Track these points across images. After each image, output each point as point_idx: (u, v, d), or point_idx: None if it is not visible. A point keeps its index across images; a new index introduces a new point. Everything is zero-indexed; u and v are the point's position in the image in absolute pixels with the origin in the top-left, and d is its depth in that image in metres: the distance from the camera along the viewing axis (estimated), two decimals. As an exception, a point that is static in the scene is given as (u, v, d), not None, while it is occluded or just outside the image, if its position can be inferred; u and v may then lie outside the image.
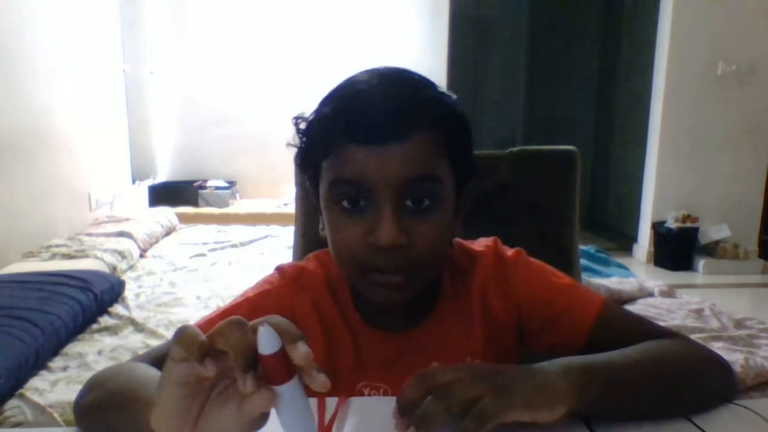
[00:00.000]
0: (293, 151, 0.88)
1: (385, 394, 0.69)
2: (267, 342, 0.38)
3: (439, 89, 0.64)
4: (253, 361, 0.38)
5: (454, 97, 0.66)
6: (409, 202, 0.60)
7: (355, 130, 0.59)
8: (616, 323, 0.69)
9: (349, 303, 0.71)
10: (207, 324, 0.68)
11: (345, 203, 0.61)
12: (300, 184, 1.00)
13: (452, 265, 0.73)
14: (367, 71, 0.64)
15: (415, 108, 0.60)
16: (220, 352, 0.38)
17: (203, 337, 0.39)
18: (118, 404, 0.53)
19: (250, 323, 0.39)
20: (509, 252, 0.74)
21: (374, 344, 0.70)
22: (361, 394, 0.69)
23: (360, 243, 0.61)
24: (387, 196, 0.59)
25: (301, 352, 0.38)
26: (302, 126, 0.66)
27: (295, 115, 0.66)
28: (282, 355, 0.38)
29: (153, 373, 0.57)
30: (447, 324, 0.71)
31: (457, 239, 0.76)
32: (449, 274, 0.73)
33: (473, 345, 0.70)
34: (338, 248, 0.64)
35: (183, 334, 0.39)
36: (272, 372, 0.39)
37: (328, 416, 0.58)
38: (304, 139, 0.65)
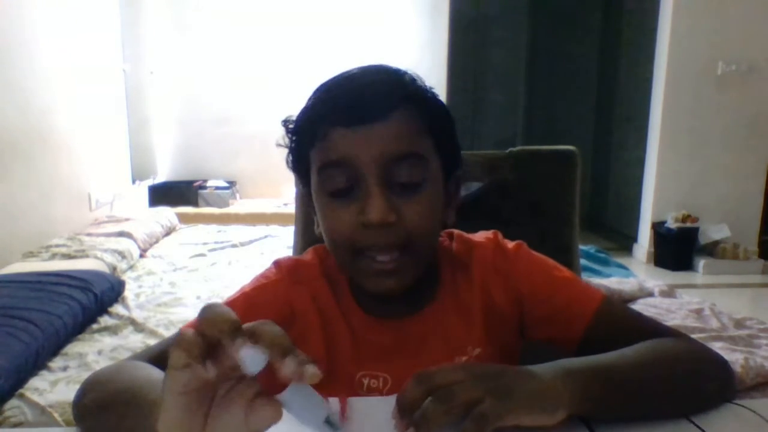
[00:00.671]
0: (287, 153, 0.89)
1: (385, 383, 0.69)
2: (251, 364, 0.37)
3: (418, 79, 0.67)
4: (237, 326, 0.38)
5: (433, 88, 0.68)
6: (395, 181, 0.62)
7: (338, 112, 0.61)
8: (616, 319, 0.69)
9: (347, 292, 0.72)
10: None
11: (334, 190, 0.63)
12: (298, 186, 1.00)
13: (452, 256, 0.74)
14: (347, 69, 0.67)
15: (395, 87, 0.63)
16: (219, 353, 0.38)
17: (200, 339, 0.38)
18: (122, 405, 0.53)
19: (245, 326, 0.39)
20: (510, 245, 0.74)
21: (373, 333, 0.70)
22: (361, 384, 0.69)
23: (351, 225, 0.62)
24: (374, 175, 0.61)
25: (287, 369, 0.37)
26: (291, 127, 0.68)
27: (284, 117, 0.68)
28: (271, 368, 0.38)
29: (155, 373, 0.57)
30: (446, 313, 0.71)
31: (458, 231, 0.76)
32: (449, 263, 0.73)
33: (473, 335, 0.71)
34: (331, 234, 0.65)
35: (182, 339, 0.38)
36: (267, 386, 0.39)
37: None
38: (293, 137, 0.68)
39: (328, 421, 0.41)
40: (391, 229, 0.61)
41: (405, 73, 0.66)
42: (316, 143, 0.63)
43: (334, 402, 0.54)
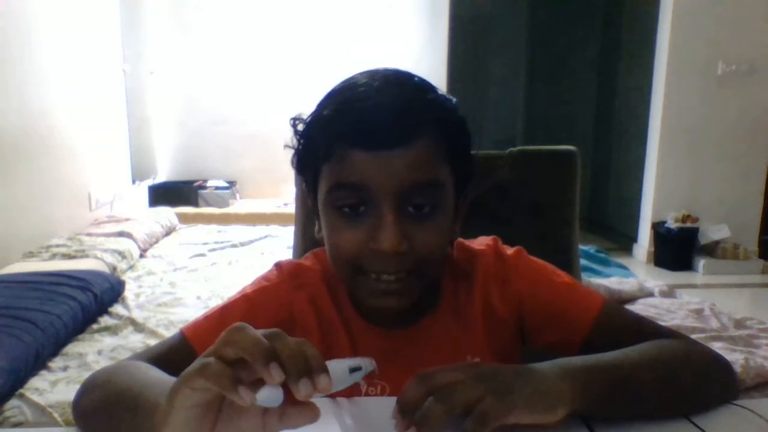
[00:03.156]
0: (292, 151, 0.88)
1: (383, 391, 0.69)
2: (268, 402, 0.39)
3: (440, 92, 0.64)
4: (270, 353, 0.39)
5: (454, 100, 0.65)
6: (410, 208, 0.60)
7: (358, 134, 0.58)
8: (617, 323, 0.69)
9: (347, 300, 0.71)
10: (206, 321, 0.68)
11: (345, 208, 0.61)
12: (298, 185, 1.00)
13: (452, 264, 0.73)
14: (367, 73, 0.63)
15: (418, 113, 0.60)
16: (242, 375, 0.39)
17: (229, 369, 0.39)
18: (122, 407, 0.53)
19: (264, 333, 0.40)
20: (509, 251, 0.74)
21: (372, 341, 0.70)
22: (359, 391, 0.69)
23: (360, 248, 0.60)
24: (388, 202, 0.59)
25: (302, 394, 0.39)
26: (300, 127, 0.65)
27: (293, 116, 0.65)
28: (290, 393, 0.39)
29: (155, 374, 0.57)
30: (447, 322, 0.71)
31: (458, 239, 0.75)
32: (449, 272, 0.73)
33: (474, 343, 0.70)
34: (337, 252, 0.63)
35: (208, 370, 0.39)
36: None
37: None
38: (302, 141, 0.65)
39: (354, 370, 0.43)
40: (402, 256, 0.60)
41: (426, 90, 0.62)
42: (331, 159, 0.60)
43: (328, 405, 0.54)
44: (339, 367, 0.43)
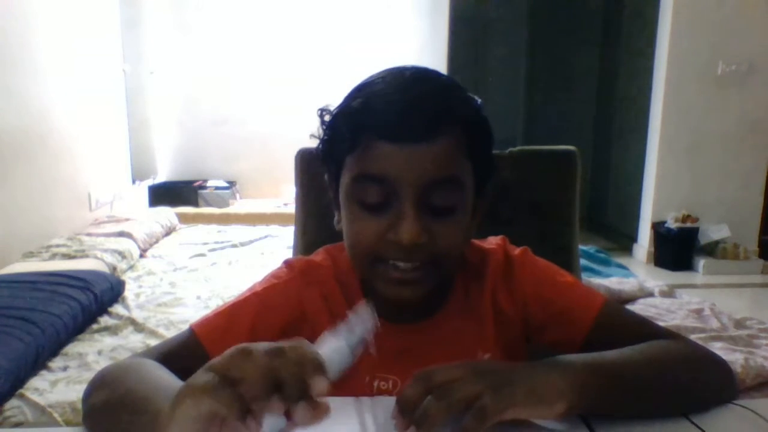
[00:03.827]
0: (294, 150, 0.88)
1: (395, 385, 0.70)
2: (274, 428, 0.40)
3: (466, 92, 0.65)
4: (272, 383, 0.39)
5: (479, 100, 0.66)
6: (430, 203, 0.61)
7: (384, 127, 0.59)
8: (617, 322, 0.70)
9: (359, 295, 0.72)
10: (216, 318, 0.68)
11: (367, 199, 0.62)
12: (300, 184, 1.00)
13: (464, 262, 0.74)
14: (395, 69, 0.64)
15: (444, 110, 0.61)
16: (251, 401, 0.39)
17: (239, 398, 0.39)
18: (129, 409, 0.53)
19: (266, 346, 0.40)
20: (516, 251, 0.75)
21: (384, 336, 0.70)
22: (371, 386, 0.69)
23: (380, 239, 0.61)
24: (410, 195, 0.60)
25: (300, 419, 0.39)
26: (327, 118, 0.66)
27: (321, 106, 0.66)
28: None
29: (164, 377, 0.57)
30: (457, 318, 0.71)
31: None
32: (461, 270, 0.73)
33: (484, 339, 0.71)
34: (356, 242, 0.64)
35: (219, 393, 0.39)
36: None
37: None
38: (328, 131, 0.66)
39: (352, 346, 0.46)
40: (420, 248, 0.60)
41: (453, 88, 0.64)
42: (356, 150, 0.61)
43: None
44: (339, 350, 0.45)
